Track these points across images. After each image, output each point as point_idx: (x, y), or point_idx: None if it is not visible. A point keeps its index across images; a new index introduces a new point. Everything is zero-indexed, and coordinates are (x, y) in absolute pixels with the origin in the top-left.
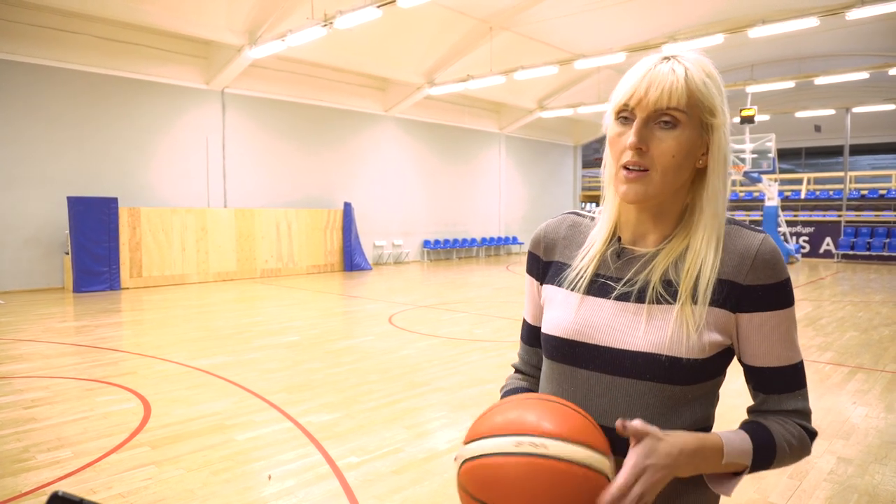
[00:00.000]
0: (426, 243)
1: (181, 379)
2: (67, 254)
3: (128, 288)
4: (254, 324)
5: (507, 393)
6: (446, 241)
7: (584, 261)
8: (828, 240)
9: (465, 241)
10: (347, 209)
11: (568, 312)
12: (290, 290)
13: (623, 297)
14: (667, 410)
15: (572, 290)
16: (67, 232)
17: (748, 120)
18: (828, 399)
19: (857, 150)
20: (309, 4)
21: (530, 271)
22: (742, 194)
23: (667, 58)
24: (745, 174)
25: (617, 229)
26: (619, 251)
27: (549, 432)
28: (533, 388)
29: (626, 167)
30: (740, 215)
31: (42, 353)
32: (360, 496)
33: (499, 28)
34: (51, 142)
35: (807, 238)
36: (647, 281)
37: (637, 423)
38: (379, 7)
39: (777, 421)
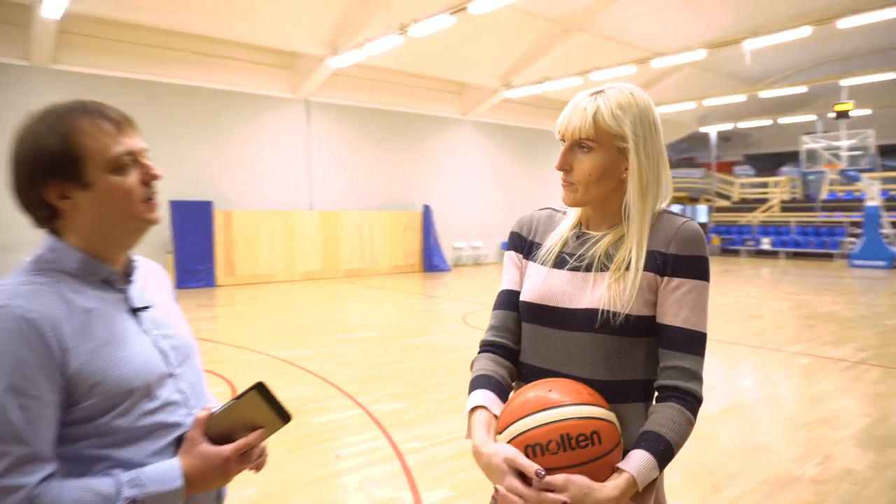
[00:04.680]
0: (504, 245)
1: (266, 367)
2: (170, 253)
3: (222, 285)
4: (335, 320)
5: (480, 381)
6: None
7: (553, 241)
8: None
9: None
10: (426, 211)
11: (537, 282)
12: (372, 290)
13: (575, 268)
14: (611, 357)
15: (542, 264)
16: (170, 233)
17: (843, 115)
18: None
19: None
20: (385, 14)
21: (514, 248)
22: (841, 194)
23: (594, 93)
24: (842, 172)
25: (581, 219)
26: (578, 234)
27: (566, 402)
28: (504, 373)
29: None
30: (839, 216)
31: None
32: (418, 477)
33: (574, 29)
34: (152, 151)
35: None
36: (594, 255)
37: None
38: (452, 14)
39: (669, 417)
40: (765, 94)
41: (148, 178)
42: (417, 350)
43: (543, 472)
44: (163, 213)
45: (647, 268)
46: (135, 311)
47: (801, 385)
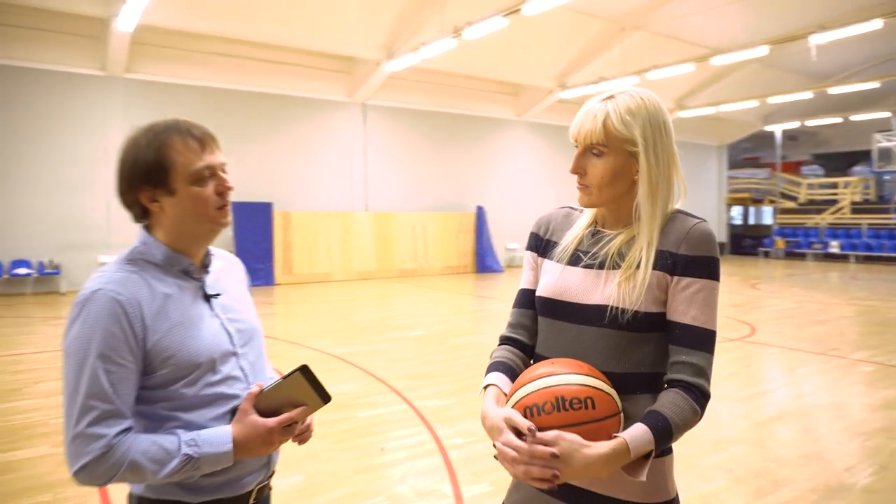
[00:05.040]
0: None
1: (318, 363)
2: (232, 252)
3: (280, 284)
4: (387, 318)
5: (495, 366)
6: None
7: (569, 240)
8: None
9: None
10: (480, 213)
11: (552, 278)
12: (424, 290)
13: (589, 266)
14: (618, 351)
15: (558, 261)
16: (232, 233)
17: None
18: None
19: None
20: (440, 18)
21: (531, 248)
22: None
23: (604, 98)
24: None
25: (597, 218)
26: (593, 232)
27: (565, 372)
28: (518, 361)
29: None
30: None
31: None
32: (458, 472)
33: (630, 28)
34: None
35: None
36: (607, 253)
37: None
38: (505, 16)
39: (672, 400)
40: (834, 90)
41: (222, 190)
42: (466, 349)
43: (535, 428)
44: None
45: (657, 267)
46: (207, 298)
47: (863, 393)
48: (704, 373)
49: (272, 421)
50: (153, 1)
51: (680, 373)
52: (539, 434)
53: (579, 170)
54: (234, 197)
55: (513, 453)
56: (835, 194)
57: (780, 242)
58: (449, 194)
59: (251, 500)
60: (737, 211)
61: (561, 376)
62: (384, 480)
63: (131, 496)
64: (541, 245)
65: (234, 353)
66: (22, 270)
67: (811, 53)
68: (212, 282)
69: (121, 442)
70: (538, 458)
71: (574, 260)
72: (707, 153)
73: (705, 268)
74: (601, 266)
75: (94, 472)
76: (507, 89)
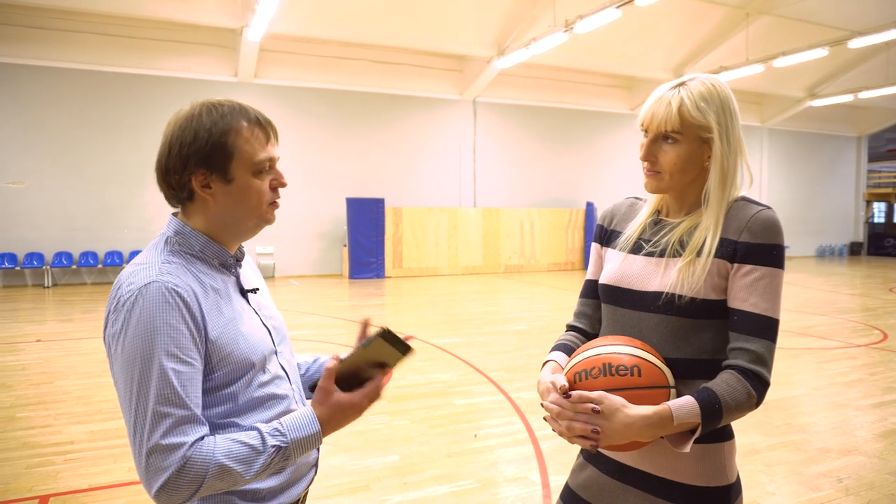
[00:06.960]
0: None
1: (419, 352)
2: (345, 246)
3: (390, 276)
4: (489, 312)
5: (556, 347)
6: None
7: (632, 229)
8: None
9: None
10: (590, 209)
11: (614, 266)
12: (529, 286)
13: (650, 254)
14: (677, 337)
15: (620, 250)
16: (346, 228)
17: None
18: None
19: None
20: (550, 13)
21: (597, 239)
22: None
23: (675, 86)
24: None
25: (660, 207)
26: (656, 220)
27: (616, 343)
28: (578, 342)
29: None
30: None
31: (319, 324)
32: (548, 462)
33: (756, 13)
34: (333, 152)
35: None
36: (668, 241)
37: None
38: (618, 7)
39: (725, 380)
40: None
41: (276, 185)
42: None
43: (568, 387)
44: (339, 209)
45: (718, 255)
46: (244, 293)
47: None
48: (763, 360)
49: (358, 396)
50: (279, 11)
51: (738, 358)
52: (584, 392)
53: (650, 157)
54: (348, 193)
55: (557, 408)
56: None
57: None
58: (558, 190)
59: None
60: (878, 208)
61: (612, 346)
62: (475, 465)
63: None
64: (605, 236)
65: (275, 352)
66: None
67: None
68: (243, 277)
69: (199, 448)
70: (581, 413)
71: (636, 248)
72: (843, 144)
73: (767, 255)
74: (662, 254)
75: (177, 487)
76: (620, 82)
